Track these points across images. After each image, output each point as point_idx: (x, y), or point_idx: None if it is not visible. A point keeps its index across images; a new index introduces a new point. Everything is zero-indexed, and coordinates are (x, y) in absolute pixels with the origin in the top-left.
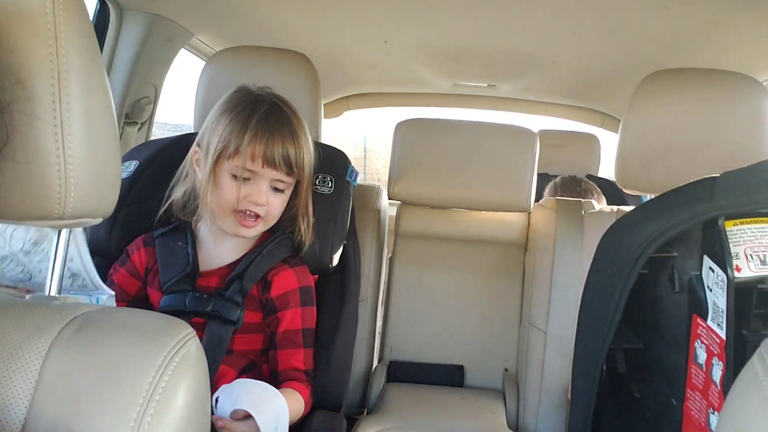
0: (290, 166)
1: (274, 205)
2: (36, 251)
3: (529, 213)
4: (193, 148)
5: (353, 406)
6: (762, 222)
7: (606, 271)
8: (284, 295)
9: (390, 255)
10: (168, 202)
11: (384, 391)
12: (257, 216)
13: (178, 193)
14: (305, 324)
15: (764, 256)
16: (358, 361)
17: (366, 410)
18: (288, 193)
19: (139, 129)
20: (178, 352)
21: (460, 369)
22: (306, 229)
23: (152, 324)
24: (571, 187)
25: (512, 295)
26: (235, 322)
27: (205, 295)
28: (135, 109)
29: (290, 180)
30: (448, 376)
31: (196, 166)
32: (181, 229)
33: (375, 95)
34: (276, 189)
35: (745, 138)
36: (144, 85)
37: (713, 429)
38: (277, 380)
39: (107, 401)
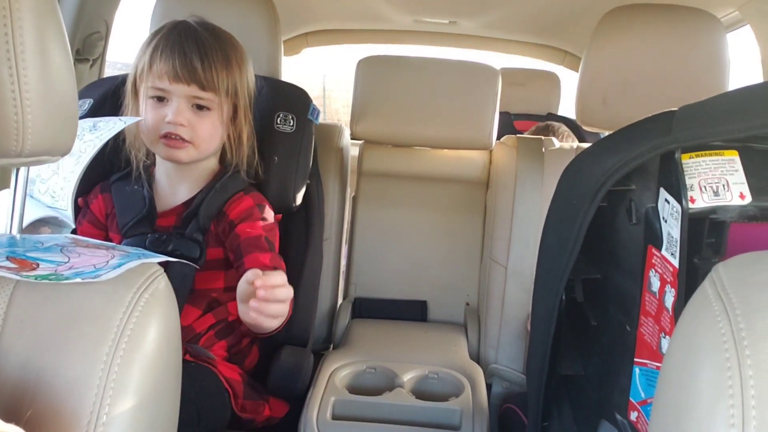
0: (201, 81)
1: (199, 127)
2: None
3: (491, 151)
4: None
5: (319, 342)
6: (716, 154)
7: (566, 205)
8: (242, 212)
9: (353, 194)
10: (119, 141)
11: (349, 327)
12: (184, 140)
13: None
14: (267, 233)
15: (717, 187)
16: (324, 298)
17: (332, 346)
18: (216, 114)
19: (91, 66)
20: (147, 289)
21: (423, 304)
22: (237, 157)
23: None
24: (543, 133)
25: (474, 231)
26: (198, 260)
27: (164, 236)
28: (86, 45)
29: (209, 96)
30: (412, 312)
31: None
32: (137, 172)
33: (335, 32)
34: (199, 107)
35: (703, 73)
36: (94, 19)
37: (663, 351)
38: None
39: (78, 340)
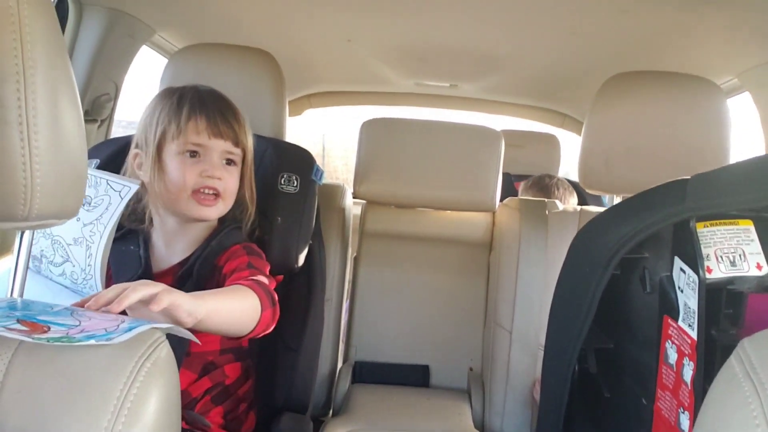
0: (236, 137)
1: (229, 181)
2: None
3: (494, 212)
4: (133, 151)
5: (318, 407)
6: (732, 224)
7: (578, 272)
8: (230, 254)
9: (355, 254)
10: None
11: (349, 392)
12: (216, 195)
13: None
14: (252, 261)
15: (734, 257)
16: (323, 361)
17: (332, 412)
18: (239, 169)
19: (98, 127)
20: (149, 357)
21: (425, 369)
22: (252, 212)
23: None
24: (541, 182)
25: (477, 294)
26: None
27: None
28: (95, 107)
29: (238, 152)
30: (414, 376)
31: (137, 170)
32: (133, 233)
33: (337, 94)
34: (228, 163)
35: (705, 139)
36: (104, 81)
37: (683, 427)
38: None
39: (76, 410)
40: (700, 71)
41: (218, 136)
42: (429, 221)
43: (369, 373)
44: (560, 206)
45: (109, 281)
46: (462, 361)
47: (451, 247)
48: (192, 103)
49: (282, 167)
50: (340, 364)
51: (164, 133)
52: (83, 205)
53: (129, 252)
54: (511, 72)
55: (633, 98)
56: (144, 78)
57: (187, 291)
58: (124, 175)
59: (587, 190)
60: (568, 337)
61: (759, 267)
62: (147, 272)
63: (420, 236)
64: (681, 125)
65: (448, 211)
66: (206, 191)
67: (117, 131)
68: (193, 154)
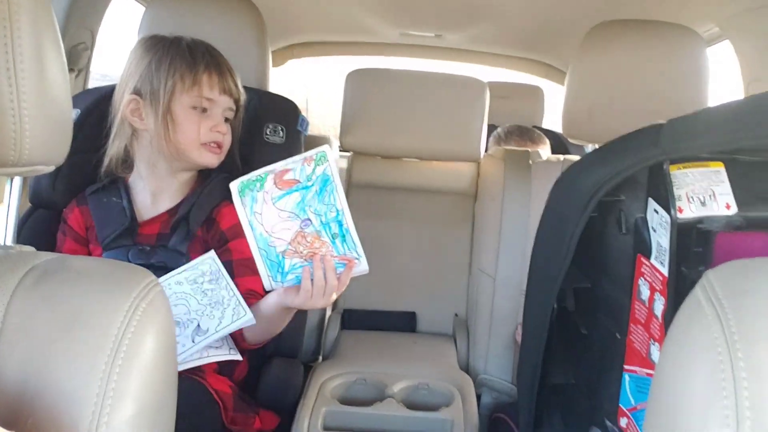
0: (237, 94)
1: (228, 135)
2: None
3: (479, 163)
4: (128, 97)
5: (308, 353)
6: (703, 166)
7: (558, 215)
8: (234, 226)
9: None
10: (108, 159)
11: (338, 339)
12: (218, 146)
13: (114, 148)
14: None
15: (704, 197)
16: (312, 310)
17: (321, 357)
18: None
19: (76, 77)
20: (144, 298)
21: (412, 315)
22: (238, 164)
23: (115, 271)
24: (515, 133)
25: (462, 242)
26: None
27: (148, 247)
28: (71, 56)
29: (235, 109)
30: (401, 323)
31: (135, 116)
32: (113, 185)
33: (320, 44)
34: (226, 120)
35: (685, 87)
36: (80, 30)
37: (653, 358)
38: None
39: (76, 349)
40: (682, 19)
41: (227, 92)
42: (415, 172)
43: (357, 321)
44: (543, 156)
45: (92, 232)
46: (448, 308)
47: (436, 197)
48: (206, 58)
49: (267, 117)
50: (329, 313)
51: (175, 84)
52: (204, 288)
53: (111, 204)
54: (495, 21)
55: (616, 48)
56: (117, 33)
57: (179, 236)
58: (113, 119)
59: (570, 140)
60: (548, 278)
61: (728, 206)
62: (133, 224)
63: (406, 186)
64: (662, 74)
65: (434, 162)
66: (212, 144)
67: (92, 83)
68: (203, 109)
